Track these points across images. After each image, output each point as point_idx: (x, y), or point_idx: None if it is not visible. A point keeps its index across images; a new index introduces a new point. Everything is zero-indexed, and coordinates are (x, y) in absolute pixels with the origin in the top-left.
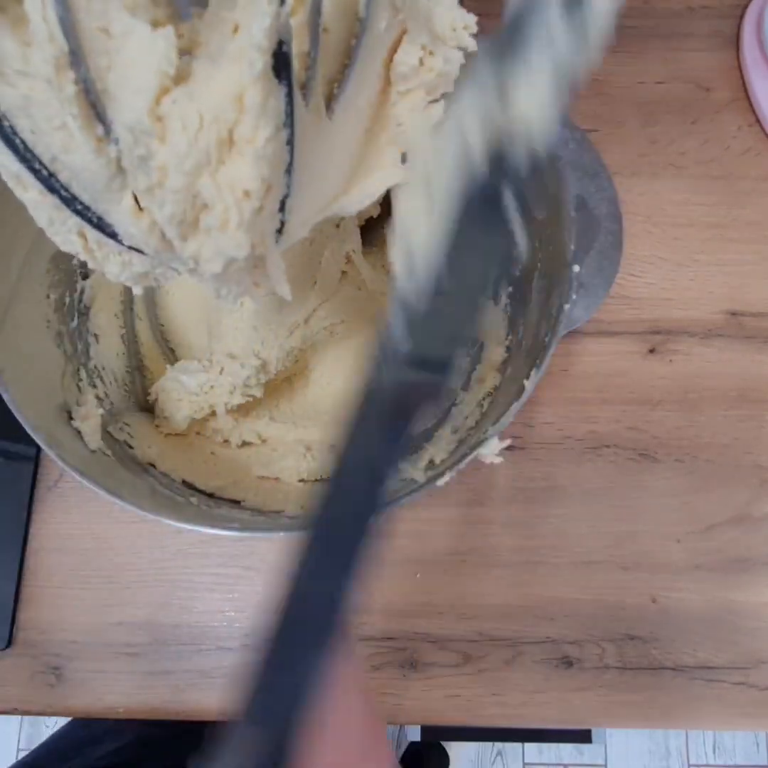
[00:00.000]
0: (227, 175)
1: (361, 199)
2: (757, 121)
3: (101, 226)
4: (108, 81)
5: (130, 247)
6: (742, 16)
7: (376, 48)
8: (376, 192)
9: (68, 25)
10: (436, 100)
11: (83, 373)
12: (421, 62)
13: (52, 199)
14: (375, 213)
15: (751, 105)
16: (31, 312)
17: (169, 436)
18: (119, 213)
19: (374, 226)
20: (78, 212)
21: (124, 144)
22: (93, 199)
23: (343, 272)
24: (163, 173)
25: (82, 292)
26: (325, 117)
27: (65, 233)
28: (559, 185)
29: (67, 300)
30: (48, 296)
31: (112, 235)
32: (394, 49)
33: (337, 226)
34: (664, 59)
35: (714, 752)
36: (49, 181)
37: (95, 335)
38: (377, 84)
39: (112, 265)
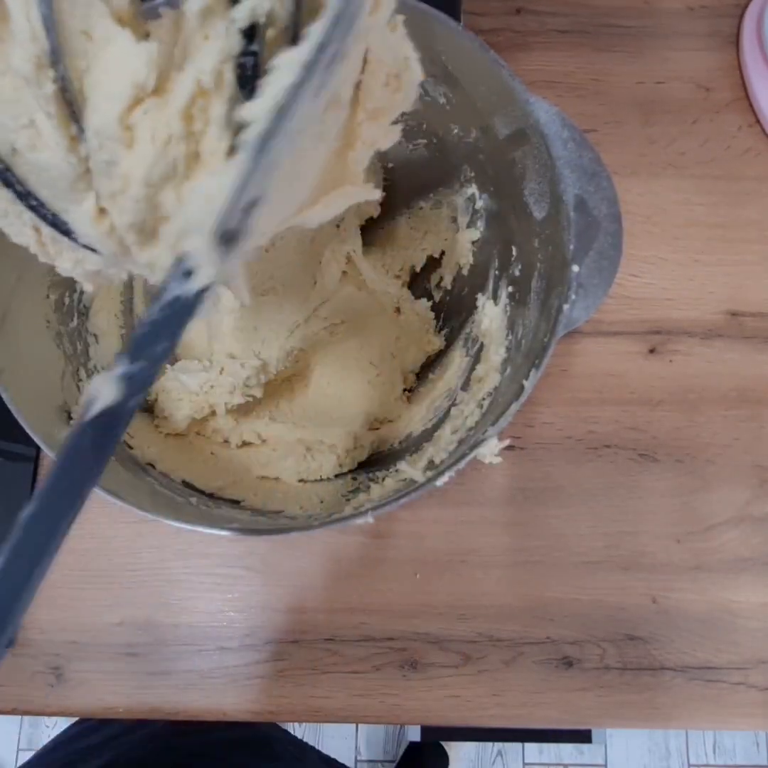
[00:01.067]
0: (191, 188)
1: (326, 212)
2: (757, 121)
3: (56, 223)
4: (84, 83)
5: (85, 246)
6: (741, 16)
7: (347, 64)
8: (340, 206)
9: (51, 25)
10: (396, 122)
11: (83, 373)
12: (388, 83)
13: (6, 193)
14: (375, 213)
15: (751, 105)
16: (31, 312)
17: (168, 437)
18: (79, 213)
19: (374, 226)
20: (32, 208)
21: (91, 147)
22: (53, 196)
23: (343, 272)
24: (126, 181)
25: (81, 292)
26: None
27: (19, 226)
28: (558, 185)
29: (67, 300)
30: (48, 296)
31: (67, 233)
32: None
33: (338, 226)
34: (664, 59)
35: (714, 752)
36: (5, 175)
37: (95, 335)
38: (347, 102)
39: (64, 261)
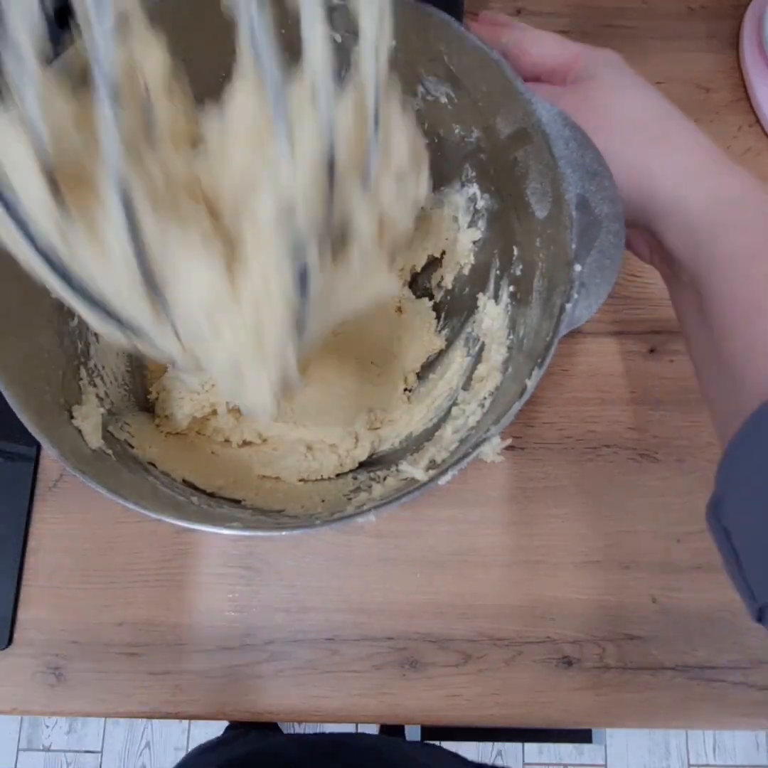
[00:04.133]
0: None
1: (365, 304)
2: (757, 121)
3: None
4: (167, 280)
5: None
6: (741, 17)
7: None
8: (377, 297)
9: (140, 253)
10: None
11: (83, 373)
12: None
13: (109, 323)
14: None
15: (751, 105)
16: (31, 312)
17: (169, 436)
18: (161, 337)
19: None
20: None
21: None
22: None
23: None
24: (210, 360)
25: None
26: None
27: (112, 331)
28: (560, 185)
29: None
30: (48, 295)
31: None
32: None
33: None
34: (664, 60)
35: (714, 752)
36: (98, 306)
37: (95, 335)
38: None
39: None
